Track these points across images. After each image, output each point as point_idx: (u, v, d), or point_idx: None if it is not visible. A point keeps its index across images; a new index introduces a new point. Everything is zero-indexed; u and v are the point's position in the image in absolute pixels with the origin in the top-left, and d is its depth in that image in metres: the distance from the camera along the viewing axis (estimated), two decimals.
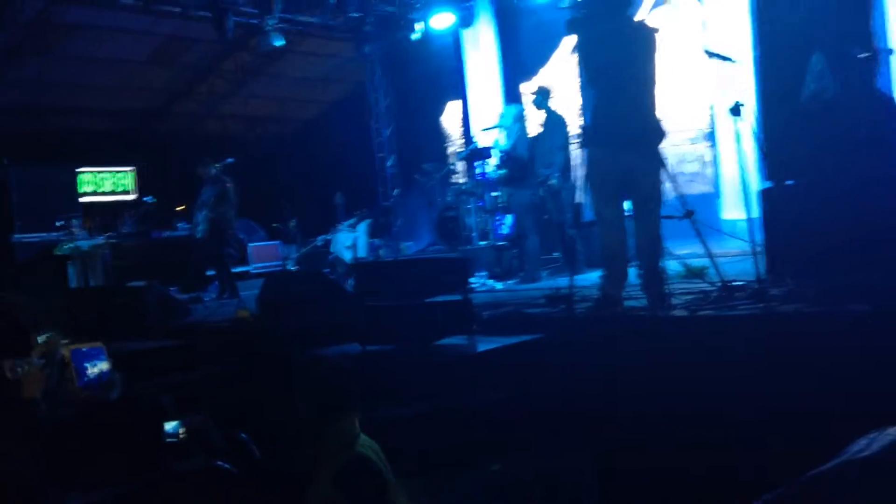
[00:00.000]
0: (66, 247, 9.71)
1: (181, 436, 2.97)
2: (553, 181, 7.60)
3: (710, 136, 10.05)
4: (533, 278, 7.64)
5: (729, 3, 9.14)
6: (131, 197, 14.53)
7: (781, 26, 5.58)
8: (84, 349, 3.45)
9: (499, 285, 7.87)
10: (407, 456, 3.23)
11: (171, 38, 13.12)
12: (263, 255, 12.65)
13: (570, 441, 4.45)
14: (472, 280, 7.42)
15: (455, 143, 13.79)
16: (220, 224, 9.29)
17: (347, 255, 10.62)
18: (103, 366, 3.45)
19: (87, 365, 3.43)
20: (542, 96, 8.01)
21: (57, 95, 13.78)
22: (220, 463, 2.96)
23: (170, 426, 2.96)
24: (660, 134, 4.99)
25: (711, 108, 9.67)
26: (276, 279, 7.61)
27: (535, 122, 8.34)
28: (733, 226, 7.32)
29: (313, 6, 11.39)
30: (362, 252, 10.58)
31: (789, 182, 5.48)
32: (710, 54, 5.45)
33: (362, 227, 10.78)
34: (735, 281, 4.94)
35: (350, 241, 10.77)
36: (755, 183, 6.46)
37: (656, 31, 5.04)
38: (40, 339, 3.47)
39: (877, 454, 1.36)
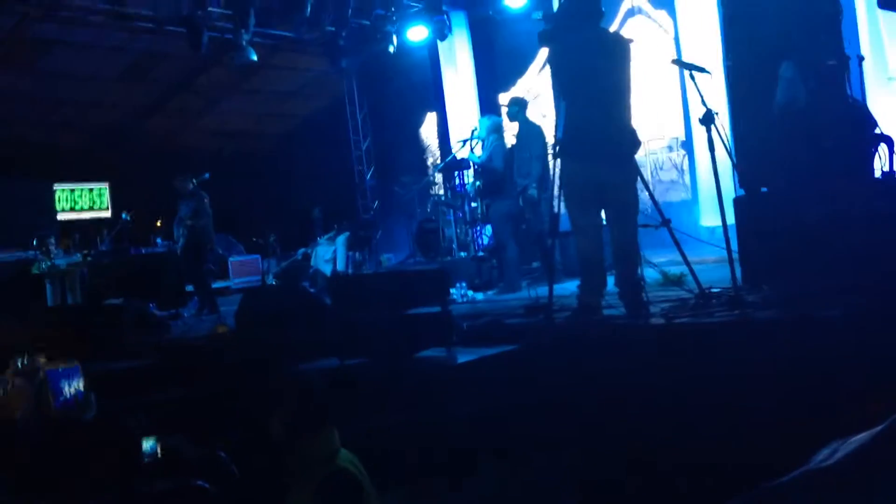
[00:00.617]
0: (42, 265, 9.61)
1: (159, 455, 2.95)
2: (531, 191, 7.63)
3: (686, 145, 10.16)
4: (512, 288, 7.66)
5: (699, 14, 9.25)
6: (106, 213, 14.42)
7: (750, 35, 5.65)
8: (60, 369, 3.41)
9: (479, 296, 7.87)
10: (387, 469, 3.22)
11: (144, 54, 13.06)
12: (243, 270, 12.59)
13: (550, 451, 4.46)
14: (452, 291, 7.43)
15: (433, 155, 13.83)
16: (199, 238, 9.27)
17: (328, 269, 10.59)
18: (79, 385, 3.41)
19: (64, 384, 3.39)
20: (517, 107, 8.04)
21: (30, 110, 13.69)
22: (198, 482, 2.93)
23: (147, 444, 2.93)
24: (634, 143, 5.03)
25: (686, 116, 9.77)
26: (253, 294, 7.58)
27: (511, 133, 8.37)
28: (712, 233, 7.40)
29: (288, 21, 11.38)
30: (341, 265, 10.55)
31: (763, 189, 5.54)
32: (680, 63, 5.52)
33: (340, 240, 10.75)
34: (712, 288, 4.98)
35: (330, 255, 10.74)
36: (731, 190, 6.53)
37: (630, 41, 5.08)
38: (21, 361, 3.44)
39: (838, 463, 1.37)
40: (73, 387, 3.39)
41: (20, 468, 3.08)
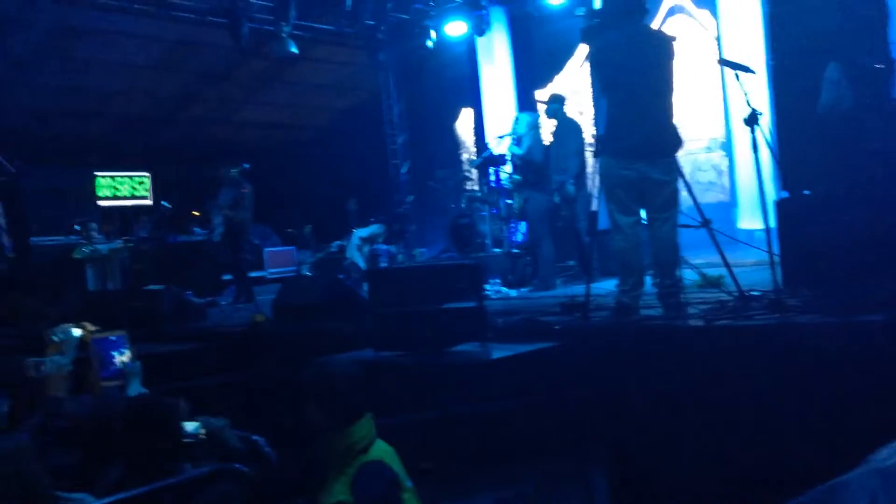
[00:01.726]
0: (84, 250, 9.79)
1: (201, 436, 2.99)
2: (569, 188, 7.60)
3: (726, 146, 10.04)
4: (547, 286, 7.63)
5: (743, 13, 9.14)
6: (147, 201, 14.63)
7: (796, 36, 5.58)
8: (109, 337, 3.48)
9: (513, 293, 7.86)
10: (422, 462, 3.24)
11: (183, 44, 13.20)
12: (279, 261, 12.71)
13: (583, 450, 4.45)
14: (485, 287, 7.42)
15: (469, 150, 13.82)
16: (237, 227, 9.36)
17: (362, 263, 10.66)
18: (126, 356, 3.48)
19: (114, 353, 3.46)
20: (556, 104, 8.02)
21: (73, 100, 13.91)
22: (236, 465, 2.97)
23: (190, 426, 2.98)
24: (677, 142, 4.98)
25: (726, 117, 9.66)
26: (292, 284, 7.65)
27: (548, 130, 8.34)
28: (750, 235, 7.31)
29: (328, 13, 11.45)
30: (359, 259, 10.61)
31: (805, 192, 5.47)
32: (725, 62, 5.45)
33: (358, 232, 10.84)
34: (752, 291, 4.92)
35: (366, 250, 10.82)
36: (771, 193, 6.45)
37: (673, 39, 5.04)
38: (75, 332, 3.49)
39: None
40: (122, 356, 3.45)
41: (60, 444, 3.14)
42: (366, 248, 10.83)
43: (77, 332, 3.53)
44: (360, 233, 10.82)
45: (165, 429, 2.83)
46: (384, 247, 11.00)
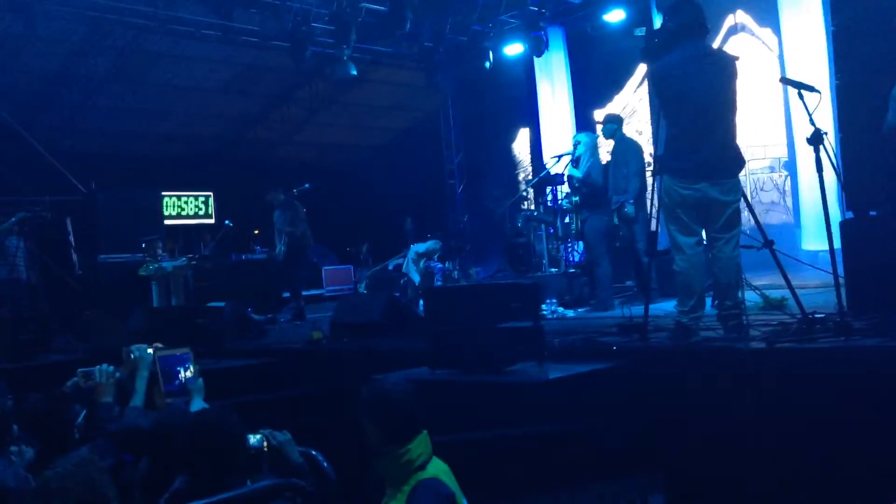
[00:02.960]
0: (150, 267, 10.08)
1: (265, 449, 3.05)
2: (628, 208, 7.54)
3: (789, 166, 9.86)
4: (605, 306, 7.56)
5: (806, 31, 8.99)
6: (210, 220, 14.98)
7: (861, 54, 5.48)
8: (174, 354, 3.58)
9: (569, 313, 7.81)
10: (479, 481, 3.25)
11: (247, 67, 13.58)
12: (336, 279, 12.89)
13: (640, 474, 4.39)
14: (542, 307, 7.40)
15: (525, 171, 13.83)
16: (299, 244, 9.60)
17: (418, 278, 10.75)
18: (189, 371, 3.57)
19: (178, 369, 3.56)
20: (614, 124, 7.98)
21: (140, 121, 14.39)
22: (297, 481, 3.02)
23: (254, 439, 3.04)
24: (739, 162, 4.91)
25: (790, 136, 9.49)
26: (349, 302, 7.75)
27: (605, 150, 8.31)
28: (814, 257, 7.15)
29: (387, 36, 11.63)
30: (413, 274, 10.72)
31: (871, 213, 5.34)
32: (787, 81, 5.37)
33: (416, 248, 10.94)
34: (816, 313, 4.81)
35: (421, 265, 10.92)
36: (836, 213, 6.30)
37: (736, 58, 4.98)
38: (150, 350, 3.62)
39: None
40: (186, 372, 3.55)
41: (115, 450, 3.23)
42: (422, 264, 10.92)
43: (150, 350, 3.65)
44: (418, 248, 10.93)
45: (229, 443, 2.89)
46: (439, 265, 11.07)
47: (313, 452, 3.46)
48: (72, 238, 11.14)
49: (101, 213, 11.43)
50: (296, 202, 9.73)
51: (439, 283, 10.69)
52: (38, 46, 11.01)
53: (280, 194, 9.75)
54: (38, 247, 9.87)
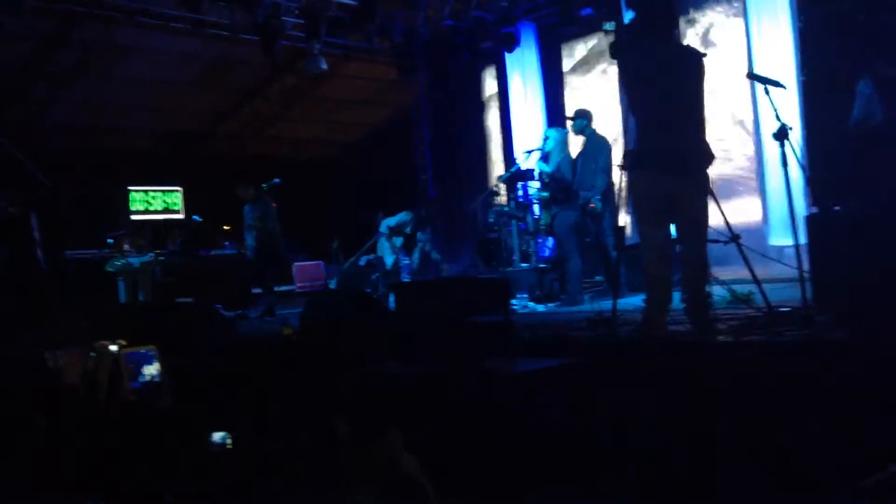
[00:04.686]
0: (116, 263, 9.96)
1: (228, 446, 3.03)
2: (596, 204, 7.58)
3: (756, 161, 9.96)
4: (575, 301, 7.61)
5: (773, 28, 9.09)
6: (179, 216, 14.83)
7: (827, 52, 5.55)
8: (137, 351, 3.55)
9: (540, 308, 7.85)
10: (447, 477, 3.25)
11: (217, 61, 13.44)
12: (307, 275, 12.82)
13: (611, 468, 4.41)
14: (512, 302, 7.42)
15: (498, 165, 13.84)
16: (270, 239, 9.56)
17: (391, 259, 10.67)
18: (154, 370, 3.54)
19: (142, 367, 3.53)
20: (584, 120, 8.01)
21: (108, 115, 14.20)
22: (264, 477, 3.01)
23: (217, 436, 3.02)
24: (708, 157, 4.95)
25: (757, 132, 9.59)
26: (319, 298, 7.71)
27: (575, 146, 8.34)
28: (780, 252, 7.23)
29: (358, 30, 11.57)
30: (386, 255, 10.65)
31: (836, 208, 5.42)
32: (754, 77, 5.43)
33: (387, 221, 10.88)
34: (782, 307, 4.88)
35: (391, 252, 10.85)
36: (801, 208, 6.39)
37: (704, 55, 5.03)
38: (112, 348, 3.57)
39: None
40: (150, 371, 3.52)
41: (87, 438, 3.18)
42: (397, 241, 10.80)
43: (114, 348, 3.61)
44: (389, 221, 10.81)
45: (192, 441, 2.87)
46: (416, 252, 10.94)
47: (283, 449, 3.45)
48: (37, 234, 10.96)
49: (67, 208, 11.25)
50: (266, 197, 9.70)
51: (415, 263, 10.64)
52: (5, 39, 10.80)
53: (250, 189, 9.73)
54: (3, 243, 9.70)
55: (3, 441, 2.99)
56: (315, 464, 3.45)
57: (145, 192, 14.65)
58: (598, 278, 8.49)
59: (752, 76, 5.46)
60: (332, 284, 12.31)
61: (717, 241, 5.11)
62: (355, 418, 2.97)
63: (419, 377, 4.92)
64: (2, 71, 12.07)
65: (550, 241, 8.88)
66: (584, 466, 4.24)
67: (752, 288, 5.20)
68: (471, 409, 4.53)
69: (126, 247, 10.12)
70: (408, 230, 10.77)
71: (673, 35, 5.17)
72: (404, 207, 11.63)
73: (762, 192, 9.54)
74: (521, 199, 9.69)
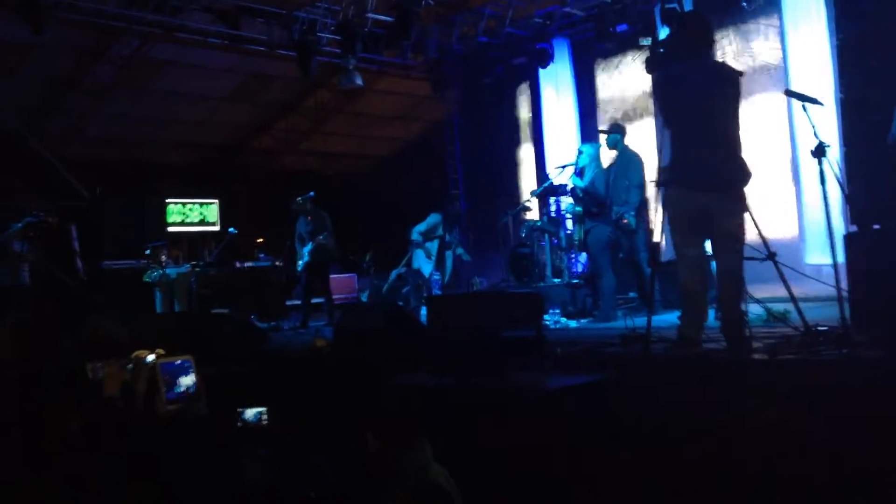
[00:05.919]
0: (153, 274, 10.11)
1: (263, 422, 3.04)
2: (629, 220, 7.54)
3: (793, 179, 9.84)
4: (608, 317, 7.55)
5: (811, 44, 9.01)
6: (215, 228, 15.02)
7: (865, 68, 5.48)
8: (174, 362, 3.58)
9: (572, 323, 7.81)
10: (478, 489, 3.25)
11: (253, 76, 13.63)
12: (340, 287, 12.88)
13: (644, 483, 4.38)
14: (545, 317, 7.39)
15: (530, 181, 13.83)
16: (326, 254, 9.62)
17: (429, 268, 10.56)
18: (190, 380, 3.57)
19: (178, 377, 3.56)
20: (616, 134, 7.99)
21: (146, 128, 14.45)
22: (296, 484, 3.03)
23: (250, 413, 3.03)
24: (745, 174, 4.90)
25: (794, 149, 9.49)
26: (352, 310, 7.76)
27: (607, 161, 8.31)
28: (818, 270, 7.12)
29: (393, 46, 11.68)
30: (423, 265, 10.54)
31: (875, 226, 5.34)
32: (792, 94, 5.38)
33: (417, 228, 10.76)
34: (819, 326, 4.81)
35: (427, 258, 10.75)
36: (840, 227, 6.30)
37: (741, 73, 5.00)
38: (150, 358, 3.63)
39: None
40: (186, 381, 3.55)
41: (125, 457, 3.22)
42: (430, 246, 10.65)
43: (151, 357, 3.66)
44: (419, 228, 10.65)
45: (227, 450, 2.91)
46: (456, 245, 10.77)
47: (316, 459, 3.47)
48: (77, 244, 11.18)
49: (105, 219, 11.48)
50: (321, 210, 9.75)
51: (448, 272, 10.54)
52: (46, 52, 11.07)
53: (306, 202, 9.74)
54: (44, 252, 9.91)
55: (44, 452, 3.05)
56: (346, 473, 3.47)
57: (182, 204, 14.85)
58: (631, 294, 8.43)
59: (790, 93, 5.41)
60: (364, 297, 12.36)
61: (753, 259, 5.06)
62: (385, 428, 2.99)
63: (450, 389, 4.93)
64: (42, 83, 12.36)
65: (583, 257, 8.84)
66: (614, 483, 4.21)
67: (789, 306, 5.13)
68: (500, 423, 4.52)
69: (163, 258, 10.27)
70: (440, 231, 10.60)
71: (709, 52, 5.14)
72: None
73: (799, 209, 9.43)
74: (553, 215, 9.67)
